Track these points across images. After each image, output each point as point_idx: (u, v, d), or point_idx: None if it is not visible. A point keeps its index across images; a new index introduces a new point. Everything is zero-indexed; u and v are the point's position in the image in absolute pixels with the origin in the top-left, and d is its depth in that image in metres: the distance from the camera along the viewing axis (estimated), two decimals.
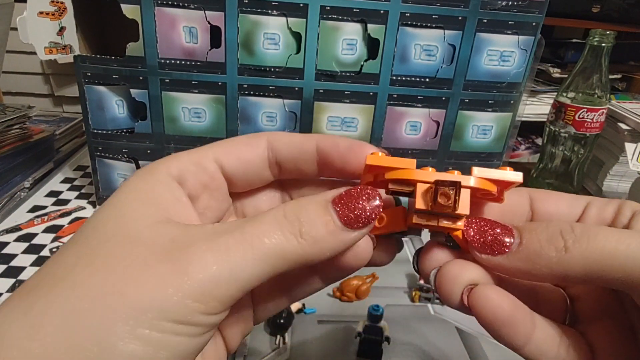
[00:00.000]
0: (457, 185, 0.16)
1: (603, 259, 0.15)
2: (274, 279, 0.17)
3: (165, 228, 0.16)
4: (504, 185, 0.18)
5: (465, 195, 0.17)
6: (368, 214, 0.16)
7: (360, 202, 0.16)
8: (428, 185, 0.17)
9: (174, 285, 0.14)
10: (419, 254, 0.19)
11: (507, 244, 0.17)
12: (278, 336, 0.36)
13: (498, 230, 0.17)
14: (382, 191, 0.18)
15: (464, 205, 0.16)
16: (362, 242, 0.17)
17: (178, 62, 0.45)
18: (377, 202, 0.16)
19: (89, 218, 0.17)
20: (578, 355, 0.17)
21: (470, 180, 0.17)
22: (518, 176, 0.17)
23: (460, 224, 0.17)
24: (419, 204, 0.17)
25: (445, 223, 0.17)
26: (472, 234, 0.17)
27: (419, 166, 0.17)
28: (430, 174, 0.17)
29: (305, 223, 0.16)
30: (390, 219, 0.18)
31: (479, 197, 0.19)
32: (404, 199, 0.19)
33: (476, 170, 0.17)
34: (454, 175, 0.17)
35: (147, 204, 0.16)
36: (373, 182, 0.18)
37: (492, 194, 0.18)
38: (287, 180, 0.22)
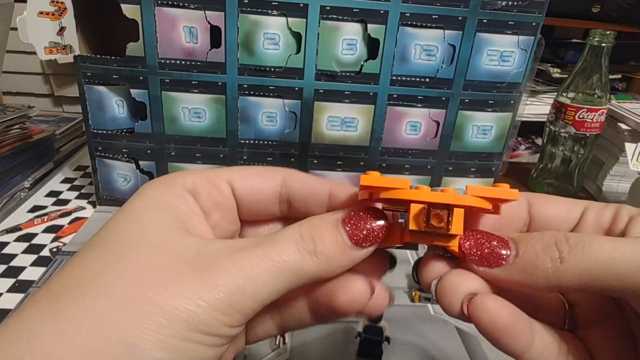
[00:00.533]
0: (449, 208, 0.17)
1: (598, 267, 0.15)
2: (270, 309, 0.19)
3: (188, 240, 0.16)
4: (499, 201, 0.18)
5: (458, 215, 0.17)
6: (375, 233, 0.17)
7: (368, 223, 0.18)
8: (421, 206, 0.17)
9: (204, 297, 0.15)
10: (418, 264, 0.19)
11: (504, 256, 0.17)
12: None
13: (494, 243, 0.17)
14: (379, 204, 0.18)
15: (457, 226, 0.17)
16: (359, 286, 0.18)
17: (178, 62, 0.45)
18: (382, 223, 0.18)
19: (107, 222, 0.17)
20: None
21: (465, 200, 0.17)
22: (514, 194, 0.17)
23: (454, 240, 0.18)
24: (412, 225, 0.17)
25: (439, 240, 0.18)
26: (468, 247, 0.18)
27: (420, 182, 0.17)
28: (424, 194, 0.17)
29: (319, 243, 0.17)
30: (386, 234, 0.18)
31: (475, 211, 0.19)
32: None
33: (471, 189, 0.17)
34: (447, 195, 0.17)
35: (165, 214, 0.17)
36: (369, 200, 0.19)
37: (488, 209, 0.18)
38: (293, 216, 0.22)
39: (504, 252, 0.17)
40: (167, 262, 0.15)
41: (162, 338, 0.14)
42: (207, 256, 0.16)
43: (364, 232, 0.17)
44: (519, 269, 0.17)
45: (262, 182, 0.20)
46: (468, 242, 0.18)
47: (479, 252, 0.17)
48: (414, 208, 0.17)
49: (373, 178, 0.17)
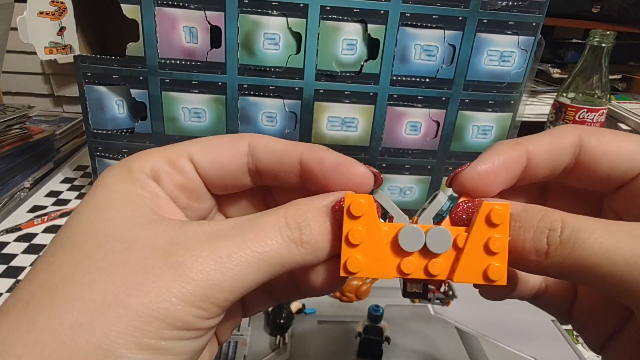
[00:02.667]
0: (439, 283, 0.17)
1: (584, 269, 0.15)
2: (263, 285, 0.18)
3: (159, 228, 0.15)
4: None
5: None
6: None
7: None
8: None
9: (177, 293, 0.14)
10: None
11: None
12: (278, 336, 0.36)
13: None
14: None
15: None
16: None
17: (178, 62, 0.45)
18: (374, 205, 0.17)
19: (70, 218, 0.16)
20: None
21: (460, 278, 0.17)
22: (501, 278, 0.16)
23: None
24: (404, 293, 0.18)
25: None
26: (457, 219, 0.17)
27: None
28: (412, 272, 0.17)
29: (306, 231, 0.16)
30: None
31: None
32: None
33: (458, 278, 0.16)
34: (441, 271, 0.17)
35: (130, 205, 0.16)
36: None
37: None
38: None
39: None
40: (136, 257, 0.14)
41: (137, 340, 0.13)
42: (181, 244, 0.15)
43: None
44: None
45: (226, 153, 0.19)
46: (458, 215, 0.17)
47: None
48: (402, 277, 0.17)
49: (359, 266, 0.16)
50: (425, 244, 0.16)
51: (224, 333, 0.20)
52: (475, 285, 0.18)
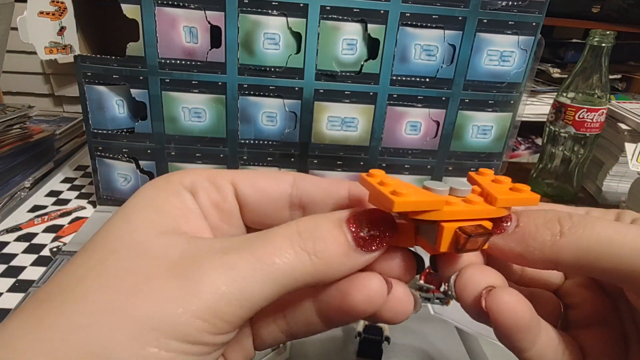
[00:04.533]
0: (489, 235, 0.16)
1: (598, 247, 0.15)
2: (275, 315, 0.17)
3: (173, 240, 0.15)
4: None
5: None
6: (383, 236, 0.16)
7: (376, 224, 0.16)
8: (454, 226, 0.15)
9: (183, 304, 0.13)
10: (436, 257, 0.18)
11: (504, 226, 0.17)
12: None
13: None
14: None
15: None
16: (375, 283, 0.16)
17: (178, 62, 0.45)
18: (393, 224, 0.16)
19: (102, 226, 0.16)
20: (572, 359, 0.17)
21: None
22: (535, 200, 0.17)
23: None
24: (445, 246, 0.16)
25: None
26: None
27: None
28: (459, 212, 0.16)
29: (319, 242, 0.15)
30: (398, 234, 0.16)
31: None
32: None
33: (501, 201, 0.16)
34: (483, 213, 0.16)
35: (157, 213, 0.16)
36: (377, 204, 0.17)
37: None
38: None
39: (504, 223, 0.17)
40: (145, 265, 0.14)
41: (139, 348, 0.13)
42: (190, 257, 0.14)
43: (371, 234, 0.16)
44: (518, 238, 0.16)
45: (270, 183, 0.18)
46: None
47: None
48: (448, 230, 0.15)
49: (405, 202, 0.14)
50: (450, 187, 0.16)
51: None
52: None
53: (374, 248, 0.16)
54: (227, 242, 0.15)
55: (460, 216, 0.16)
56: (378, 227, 0.16)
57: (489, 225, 0.16)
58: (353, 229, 0.16)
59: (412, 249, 0.18)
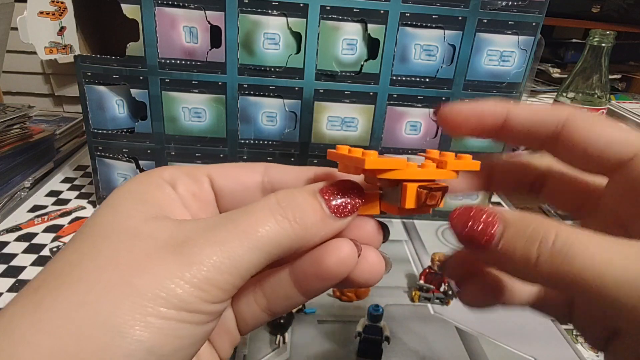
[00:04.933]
0: (444, 190, 0.18)
1: (572, 283, 0.14)
2: (254, 292, 0.19)
3: (161, 223, 0.16)
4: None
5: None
6: (353, 203, 0.17)
7: (346, 193, 0.18)
8: (416, 186, 0.18)
9: (179, 275, 0.15)
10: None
11: (487, 244, 0.16)
12: (278, 336, 0.36)
13: (480, 228, 0.17)
14: (357, 177, 0.19)
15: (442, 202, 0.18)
16: (346, 247, 0.17)
17: (178, 62, 0.45)
18: (361, 193, 0.18)
19: (87, 219, 0.17)
20: None
21: (449, 178, 0.19)
22: (475, 165, 0.19)
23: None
24: (409, 203, 0.18)
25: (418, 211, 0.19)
26: (456, 226, 0.17)
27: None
28: (419, 173, 0.18)
29: (297, 210, 0.16)
30: (365, 203, 0.18)
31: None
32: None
33: (450, 164, 0.18)
34: (439, 174, 0.18)
35: (141, 202, 0.17)
36: (348, 169, 0.19)
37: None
38: None
39: (489, 234, 0.16)
40: (140, 245, 0.15)
41: (140, 317, 0.14)
42: (180, 236, 0.16)
43: (342, 201, 0.17)
44: (498, 257, 0.16)
45: (242, 172, 0.20)
46: (456, 222, 0.17)
47: (465, 237, 0.17)
48: (411, 189, 0.17)
49: (377, 160, 0.17)
50: (407, 157, 0.18)
51: (223, 348, 0.20)
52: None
53: (346, 213, 0.17)
54: (211, 220, 0.16)
55: (419, 176, 0.18)
56: (348, 194, 0.18)
57: (443, 183, 0.18)
58: (326, 197, 0.17)
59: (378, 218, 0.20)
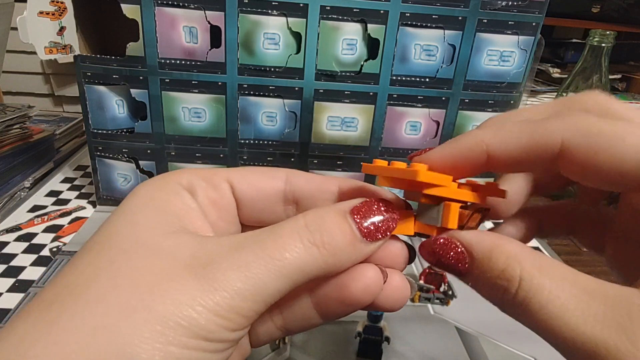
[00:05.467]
0: (486, 213, 0.18)
1: (534, 329, 0.14)
2: (271, 312, 0.18)
3: (182, 239, 0.16)
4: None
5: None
6: (387, 225, 0.16)
7: (379, 213, 0.16)
8: (457, 205, 0.17)
9: (202, 303, 0.14)
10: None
11: (462, 271, 0.16)
12: None
13: (452, 261, 0.16)
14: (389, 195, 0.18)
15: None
16: (372, 273, 0.17)
17: (178, 62, 0.45)
18: (394, 215, 0.17)
19: (102, 225, 0.16)
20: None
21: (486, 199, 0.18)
22: (504, 193, 0.18)
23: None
24: (452, 224, 0.17)
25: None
26: (425, 255, 0.17)
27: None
28: (459, 193, 0.17)
29: (326, 234, 0.16)
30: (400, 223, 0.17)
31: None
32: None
33: (484, 189, 0.18)
34: (480, 196, 0.17)
35: (160, 212, 0.16)
36: (391, 182, 0.17)
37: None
38: None
39: (461, 268, 0.16)
40: (161, 265, 0.14)
41: (160, 346, 0.13)
42: (202, 257, 0.15)
43: (375, 223, 0.16)
44: (472, 283, 0.16)
45: (264, 180, 0.19)
46: (425, 254, 0.17)
47: (438, 266, 0.17)
48: (454, 208, 0.16)
49: (428, 173, 0.16)
50: None
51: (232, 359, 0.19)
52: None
53: (379, 237, 0.16)
54: (235, 240, 0.16)
55: (460, 196, 0.17)
56: (382, 214, 0.16)
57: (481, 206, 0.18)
58: (357, 220, 0.16)
59: (405, 239, 0.18)
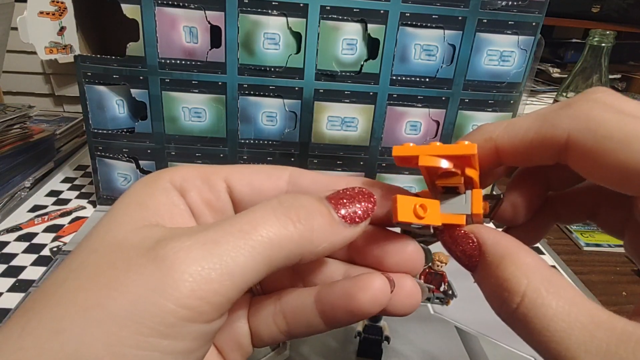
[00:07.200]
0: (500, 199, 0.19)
1: (529, 342, 0.14)
2: (275, 316, 0.17)
3: (151, 231, 0.14)
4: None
5: None
6: (362, 210, 0.16)
7: (355, 200, 0.16)
8: (479, 192, 0.17)
9: (159, 290, 0.12)
10: None
11: (472, 266, 0.16)
12: None
13: (466, 254, 0.16)
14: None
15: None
16: (379, 283, 0.16)
17: (178, 62, 0.45)
18: (371, 200, 0.16)
19: (94, 226, 0.16)
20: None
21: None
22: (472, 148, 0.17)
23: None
24: (478, 209, 0.17)
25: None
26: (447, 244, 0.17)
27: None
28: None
29: (302, 210, 0.15)
30: (425, 214, 0.16)
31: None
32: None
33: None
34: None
35: (139, 208, 0.15)
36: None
37: None
38: None
39: (472, 262, 0.16)
40: (122, 257, 0.13)
41: (116, 349, 0.12)
42: (166, 242, 0.13)
43: (351, 208, 0.16)
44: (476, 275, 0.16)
45: (265, 180, 0.18)
46: (445, 239, 0.17)
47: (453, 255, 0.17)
48: (479, 195, 0.17)
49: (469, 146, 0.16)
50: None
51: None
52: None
53: (357, 221, 0.16)
54: (205, 224, 0.15)
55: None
56: (358, 200, 0.16)
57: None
58: (333, 203, 0.16)
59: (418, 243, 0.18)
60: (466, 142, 0.16)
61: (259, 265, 0.14)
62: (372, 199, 0.16)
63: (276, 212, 0.14)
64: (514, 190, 0.19)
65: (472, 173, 0.17)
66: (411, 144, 0.16)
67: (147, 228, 0.15)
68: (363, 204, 0.16)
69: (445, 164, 0.16)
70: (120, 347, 0.12)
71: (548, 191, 0.20)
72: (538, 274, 0.14)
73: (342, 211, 0.16)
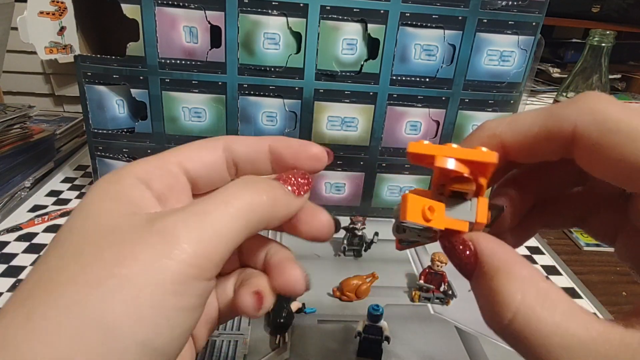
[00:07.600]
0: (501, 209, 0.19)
1: (520, 351, 0.14)
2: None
3: (140, 216, 0.16)
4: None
5: None
6: (304, 183, 0.20)
7: (297, 178, 0.20)
8: (486, 200, 0.17)
9: (167, 254, 0.14)
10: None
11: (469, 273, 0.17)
12: (278, 336, 0.36)
13: (460, 258, 0.17)
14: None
15: None
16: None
17: (178, 61, 0.45)
18: (306, 178, 0.20)
19: (63, 224, 0.17)
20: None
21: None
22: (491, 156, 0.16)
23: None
24: (482, 218, 0.17)
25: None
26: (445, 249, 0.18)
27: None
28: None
29: (265, 185, 0.18)
30: (433, 216, 0.17)
31: None
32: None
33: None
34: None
35: (117, 201, 0.17)
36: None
37: None
38: None
39: (469, 269, 0.16)
40: (122, 237, 0.15)
41: (135, 310, 0.13)
42: (160, 218, 0.15)
43: (296, 184, 0.20)
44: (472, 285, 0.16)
45: (208, 153, 0.20)
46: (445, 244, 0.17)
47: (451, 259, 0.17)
48: (484, 203, 0.17)
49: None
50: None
51: (200, 337, 0.21)
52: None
53: (302, 193, 0.20)
54: (188, 204, 0.17)
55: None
56: (298, 178, 0.20)
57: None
58: (282, 181, 0.19)
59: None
60: (484, 149, 0.16)
61: (242, 227, 0.16)
62: (308, 178, 0.20)
63: (247, 187, 0.17)
64: (500, 196, 0.20)
65: (483, 181, 0.17)
66: (426, 142, 0.16)
67: (134, 215, 0.16)
68: (301, 180, 0.20)
69: (464, 169, 0.16)
70: (140, 308, 0.13)
71: (534, 198, 0.21)
72: (533, 288, 0.14)
73: (289, 187, 0.19)
